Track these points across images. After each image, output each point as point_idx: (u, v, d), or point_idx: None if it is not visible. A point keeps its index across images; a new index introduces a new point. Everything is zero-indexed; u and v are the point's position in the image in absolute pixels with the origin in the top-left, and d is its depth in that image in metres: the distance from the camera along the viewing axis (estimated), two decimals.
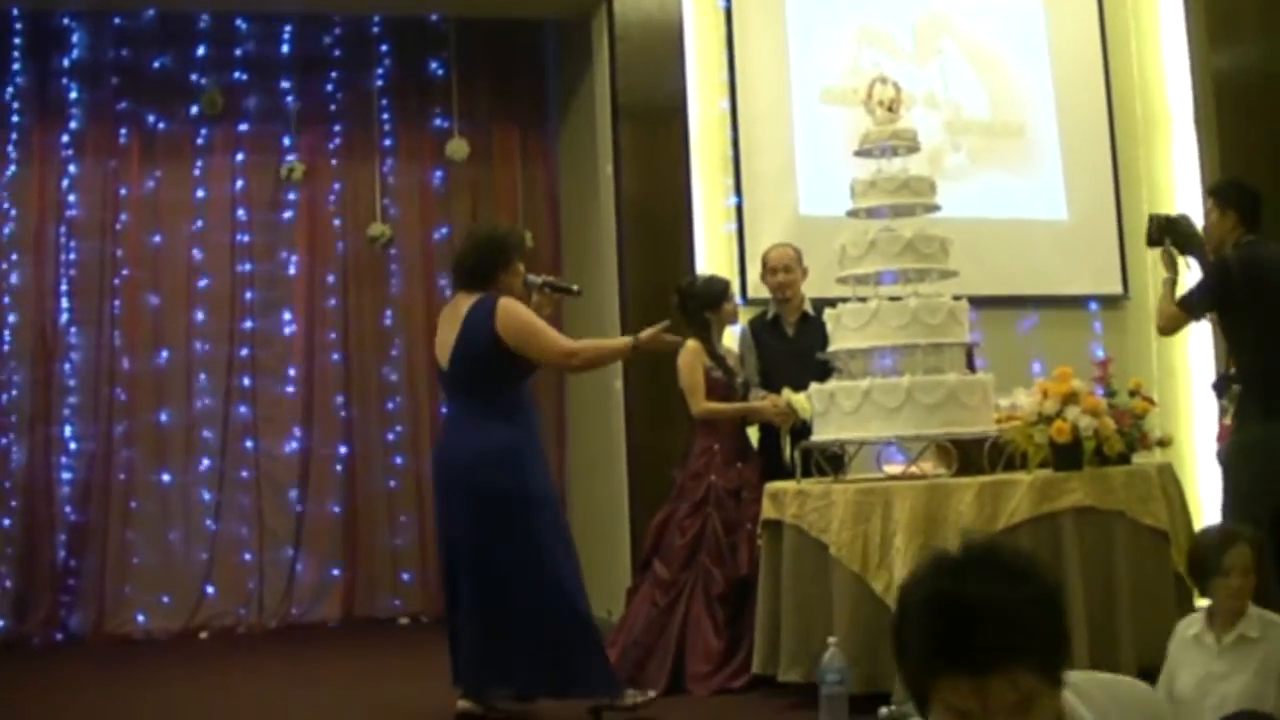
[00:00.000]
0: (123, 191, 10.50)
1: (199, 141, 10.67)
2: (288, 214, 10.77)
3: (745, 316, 8.03)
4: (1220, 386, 7.20)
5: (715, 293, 7.37)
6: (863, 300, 6.27)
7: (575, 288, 6.85)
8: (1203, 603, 4.96)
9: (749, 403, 7.20)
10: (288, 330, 10.70)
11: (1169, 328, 7.07)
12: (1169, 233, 6.92)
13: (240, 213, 10.68)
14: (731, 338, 7.78)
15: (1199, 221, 6.91)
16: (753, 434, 7.62)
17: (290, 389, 10.64)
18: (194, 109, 10.51)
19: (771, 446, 7.24)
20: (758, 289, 8.41)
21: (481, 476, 5.92)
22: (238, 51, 10.68)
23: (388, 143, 10.95)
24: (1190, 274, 6.82)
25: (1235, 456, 6.62)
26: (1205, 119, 9.91)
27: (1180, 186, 10.06)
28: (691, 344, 7.18)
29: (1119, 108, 10.36)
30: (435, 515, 6.34)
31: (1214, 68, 9.85)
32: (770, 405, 7.07)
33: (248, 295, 10.63)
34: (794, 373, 7.02)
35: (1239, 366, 6.83)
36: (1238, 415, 6.72)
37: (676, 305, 7.33)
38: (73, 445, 10.25)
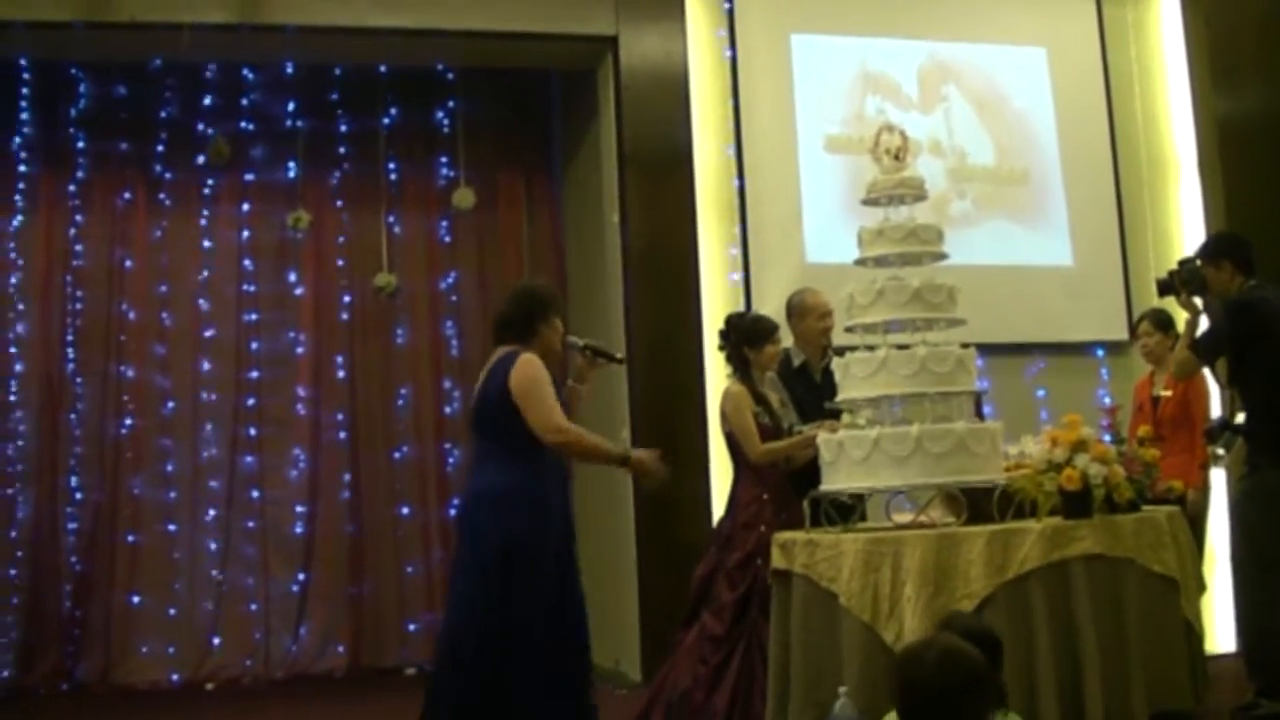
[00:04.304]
0: (129, 241, 10.52)
1: (205, 191, 10.70)
2: (294, 263, 10.78)
3: None
4: (1213, 433, 7.21)
5: (759, 330, 7.05)
6: (871, 349, 6.26)
7: (619, 355, 6.67)
8: None
9: (807, 433, 6.74)
10: (293, 380, 10.69)
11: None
12: (1177, 281, 7.00)
13: (246, 262, 10.71)
14: None
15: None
16: None
17: (296, 438, 10.63)
18: (200, 158, 10.53)
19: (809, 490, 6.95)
20: None
21: (471, 517, 5.86)
22: (244, 101, 10.70)
23: (393, 192, 10.97)
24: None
25: (1251, 502, 6.63)
26: (1208, 163, 9.95)
27: (1186, 231, 10.09)
28: (736, 388, 6.97)
29: (1123, 153, 10.38)
30: None
31: (1217, 112, 9.91)
32: (830, 430, 6.45)
33: (254, 345, 10.64)
34: (824, 419, 6.89)
35: (1248, 412, 6.84)
36: (1249, 461, 6.73)
37: (720, 336, 7.19)
38: (79, 495, 10.24)
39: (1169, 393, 7.88)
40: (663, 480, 6.18)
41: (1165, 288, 7.17)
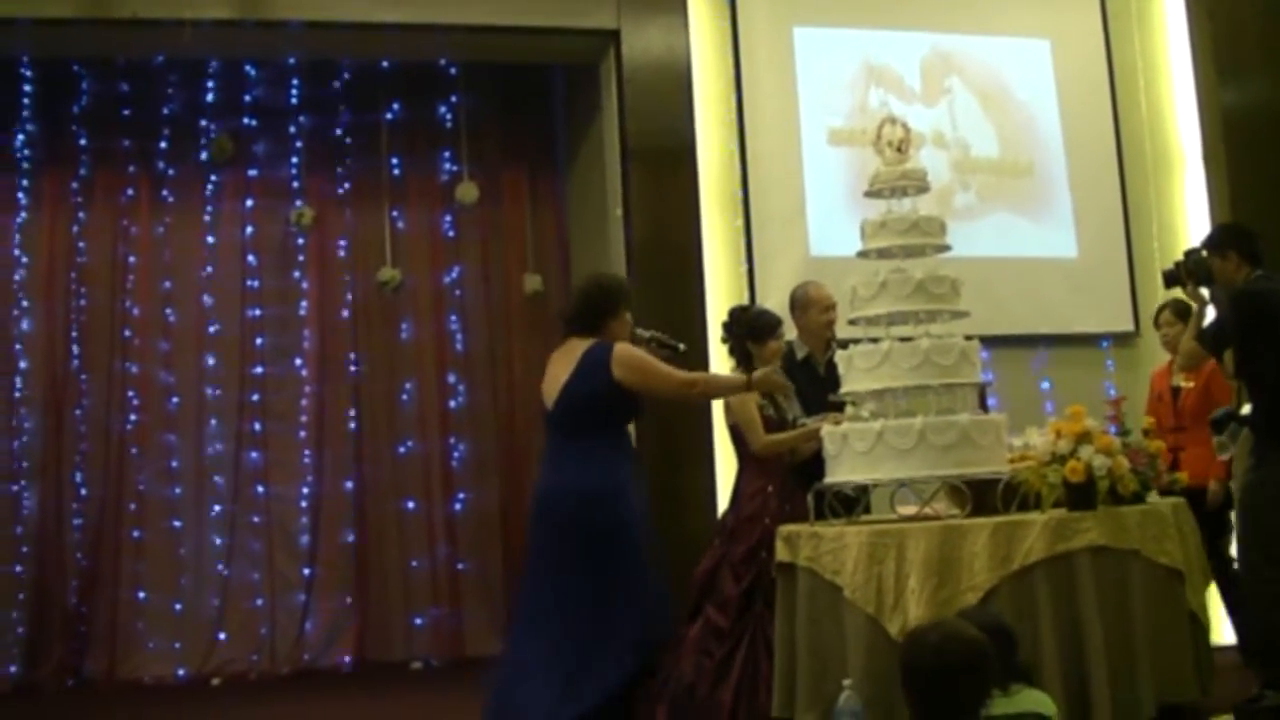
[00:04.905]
0: (132, 237, 10.52)
1: (208, 187, 10.69)
2: (297, 259, 10.78)
3: None
4: (1220, 423, 7.19)
5: (762, 325, 7.05)
6: (874, 341, 6.24)
7: (681, 346, 6.70)
8: None
9: (811, 425, 6.74)
10: (298, 375, 10.69)
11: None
12: (1183, 272, 6.98)
13: (250, 258, 10.69)
14: None
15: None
16: None
17: (301, 434, 10.62)
18: (203, 155, 10.53)
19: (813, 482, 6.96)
20: None
21: (583, 514, 5.89)
22: (246, 97, 10.69)
23: (397, 187, 10.96)
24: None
25: (1257, 494, 6.59)
26: (1213, 155, 9.92)
27: (1191, 223, 10.06)
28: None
29: (1128, 145, 10.37)
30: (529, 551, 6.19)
31: (1222, 104, 9.87)
32: (833, 423, 6.50)
33: (258, 340, 10.62)
34: (828, 412, 6.87)
35: (1254, 403, 6.81)
36: (1255, 453, 6.69)
37: (724, 329, 7.21)
38: (84, 491, 10.23)
39: (1190, 384, 7.86)
40: (784, 388, 6.62)
41: (1171, 279, 7.16)
